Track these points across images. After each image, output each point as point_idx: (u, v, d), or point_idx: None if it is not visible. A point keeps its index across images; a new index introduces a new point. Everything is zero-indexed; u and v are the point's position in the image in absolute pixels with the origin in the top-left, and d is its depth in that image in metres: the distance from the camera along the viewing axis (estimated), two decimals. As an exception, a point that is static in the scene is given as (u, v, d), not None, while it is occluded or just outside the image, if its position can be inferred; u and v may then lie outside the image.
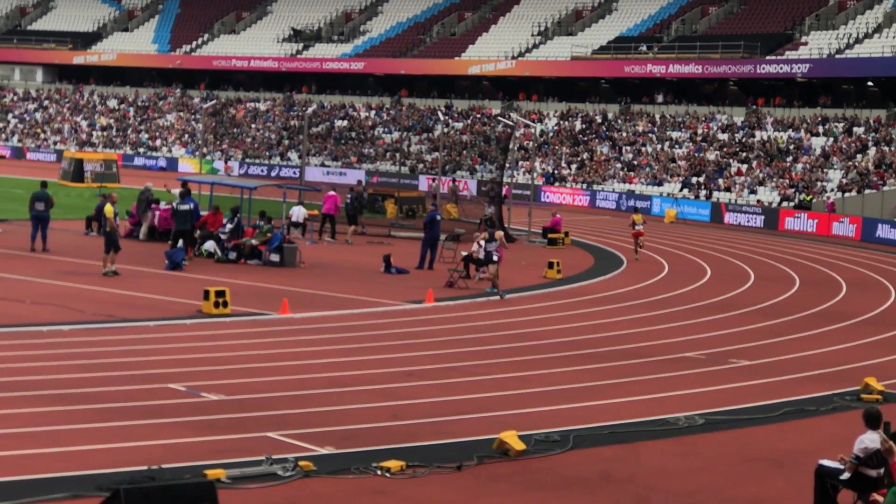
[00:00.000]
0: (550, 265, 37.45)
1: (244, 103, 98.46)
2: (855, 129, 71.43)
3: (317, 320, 26.96)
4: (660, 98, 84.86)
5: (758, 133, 74.95)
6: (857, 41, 76.00)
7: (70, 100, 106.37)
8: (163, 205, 41.47)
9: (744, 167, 71.21)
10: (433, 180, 67.40)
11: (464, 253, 36.56)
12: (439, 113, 77.31)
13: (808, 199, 64.33)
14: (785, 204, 65.40)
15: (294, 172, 79.33)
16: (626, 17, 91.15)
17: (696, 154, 74.65)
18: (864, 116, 72.69)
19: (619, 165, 76.36)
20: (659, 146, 77.44)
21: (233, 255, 36.81)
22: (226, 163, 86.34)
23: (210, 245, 37.19)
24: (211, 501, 12.42)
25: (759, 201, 66.59)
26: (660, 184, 72.65)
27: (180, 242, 35.56)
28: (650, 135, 79.30)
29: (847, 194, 63.73)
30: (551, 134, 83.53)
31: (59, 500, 13.43)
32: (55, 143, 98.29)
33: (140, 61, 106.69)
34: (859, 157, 67.91)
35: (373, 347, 23.88)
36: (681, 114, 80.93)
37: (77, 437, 15.95)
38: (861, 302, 35.20)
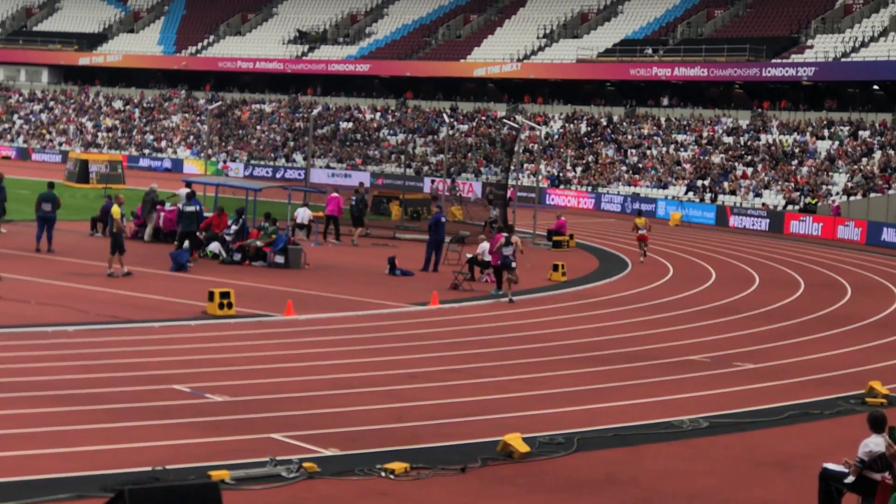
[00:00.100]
0: (555, 268, 37.44)
1: (249, 105, 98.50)
2: (860, 132, 71.37)
3: (321, 322, 26.97)
4: (665, 101, 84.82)
5: (763, 136, 74.91)
6: (863, 45, 75.96)
7: (75, 101, 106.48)
8: (168, 206, 41.52)
9: (749, 170, 71.17)
10: (433, 182, 67.52)
11: (469, 255, 36.56)
12: (444, 115, 77.23)
13: (814, 202, 64.28)
14: (790, 207, 65.34)
15: (299, 174, 79.36)
16: (632, 19, 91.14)
17: (702, 157, 74.60)
18: (869, 120, 72.63)
19: (624, 168, 76.33)
20: (664, 149, 77.40)
21: (237, 257, 36.83)
22: (224, 162, 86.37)
23: (215, 246, 37.21)
24: (215, 502, 12.43)
25: (764, 204, 66.54)
26: (665, 187, 72.61)
27: (186, 244, 35.59)
28: (655, 137, 79.27)
29: (852, 198, 63.67)
30: (556, 136, 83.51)
31: (63, 501, 13.44)
32: (60, 144, 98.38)
33: (145, 62, 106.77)
34: (865, 160, 67.85)
35: (377, 349, 23.89)
36: (686, 117, 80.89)
37: (81, 438, 15.96)
38: (866, 305, 35.17)
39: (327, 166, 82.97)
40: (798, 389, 22.10)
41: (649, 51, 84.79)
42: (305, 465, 14.99)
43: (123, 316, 25.95)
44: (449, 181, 68.80)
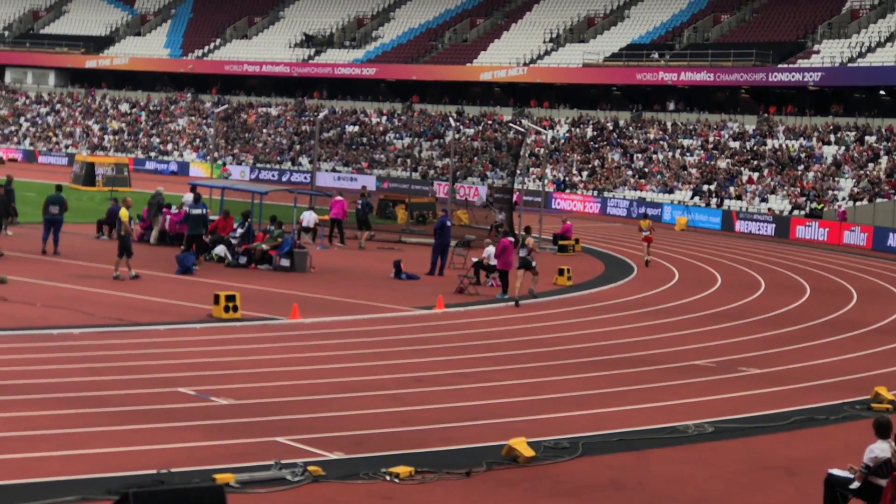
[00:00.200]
0: (561, 272, 37.43)
1: (256, 108, 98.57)
2: (867, 137, 71.33)
3: (327, 325, 26.97)
4: (671, 106, 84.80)
5: (769, 141, 74.87)
6: (870, 50, 75.92)
7: (82, 103, 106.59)
8: (174, 209, 41.54)
9: (755, 175, 71.12)
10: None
11: (474, 259, 36.56)
12: (451, 119, 77.05)
13: (820, 207, 64.24)
14: (796, 212, 65.31)
15: (305, 177, 79.40)
16: (638, 24, 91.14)
17: (708, 162, 74.58)
18: (875, 125, 72.57)
19: (630, 173, 76.32)
20: (670, 154, 77.39)
21: (243, 260, 36.84)
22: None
23: (221, 249, 37.23)
24: (220, 506, 12.44)
25: (769, 209, 66.51)
26: (671, 191, 72.59)
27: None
28: (661, 142, 79.26)
29: (858, 203, 63.62)
30: (562, 140, 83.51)
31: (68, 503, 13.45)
32: (67, 147, 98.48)
33: (152, 65, 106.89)
34: (871, 165, 67.81)
35: (382, 353, 23.88)
36: (692, 121, 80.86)
37: (86, 441, 15.96)
38: (872, 311, 35.13)
39: (333, 170, 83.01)
40: (803, 394, 22.07)
41: (656, 55, 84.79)
42: (310, 468, 14.99)
43: (129, 319, 25.97)
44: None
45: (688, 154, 76.68)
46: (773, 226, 64.12)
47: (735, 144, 75.89)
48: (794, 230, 63.05)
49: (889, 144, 69.39)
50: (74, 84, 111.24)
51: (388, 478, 15.08)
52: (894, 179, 64.60)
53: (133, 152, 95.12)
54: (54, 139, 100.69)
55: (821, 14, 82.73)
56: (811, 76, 75.69)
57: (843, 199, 64.91)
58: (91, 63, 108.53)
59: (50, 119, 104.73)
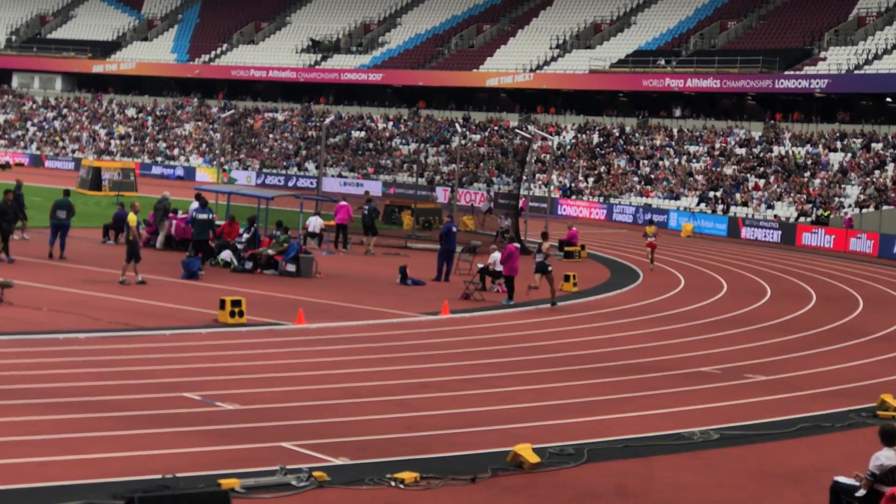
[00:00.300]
0: (567, 278, 37.41)
1: (262, 113, 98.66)
2: (873, 144, 71.28)
3: (332, 331, 26.97)
4: (678, 112, 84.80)
5: (776, 148, 74.83)
6: (876, 57, 75.89)
7: (89, 108, 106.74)
8: (180, 214, 41.57)
9: (761, 182, 71.10)
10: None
11: (480, 265, 36.55)
12: (457, 125, 77.35)
13: (826, 214, 64.19)
14: (802, 219, 65.26)
15: (311, 183, 79.42)
16: (645, 30, 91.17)
17: (714, 168, 74.56)
18: (882, 132, 72.52)
19: (636, 179, 76.30)
20: (676, 160, 77.36)
21: (249, 265, 36.86)
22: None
23: (226, 254, 37.25)
24: (225, 511, 12.44)
25: (776, 216, 66.47)
26: (677, 198, 72.57)
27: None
28: (668, 149, 79.24)
29: (865, 210, 63.58)
30: (568, 147, 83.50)
31: (73, 508, 13.47)
32: (73, 152, 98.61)
33: (159, 70, 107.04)
34: (877, 172, 67.75)
35: (388, 358, 23.88)
36: (698, 128, 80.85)
37: (92, 445, 15.97)
38: (878, 318, 35.08)
39: (339, 175, 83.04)
40: (809, 402, 22.04)
41: (662, 62, 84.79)
42: (315, 474, 14.98)
43: (135, 323, 25.98)
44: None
45: (694, 160, 76.66)
46: (780, 232, 64.08)
47: (741, 151, 75.86)
48: (801, 237, 63.01)
49: (895, 151, 69.33)
50: (81, 89, 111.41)
51: (393, 483, 15.07)
52: (901, 186, 64.56)
53: (139, 157, 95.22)
54: (61, 144, 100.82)
55: (827, 21, 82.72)
56: (818, 83, 75.67)
57: (850, 206, 64.86)
58: (98, 68, 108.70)
59: (57, 124, 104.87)
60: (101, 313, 26.89)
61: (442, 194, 74.97)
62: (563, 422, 19.22)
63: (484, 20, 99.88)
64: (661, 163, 77.66)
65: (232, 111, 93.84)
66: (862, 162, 69.43)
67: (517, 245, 36.72)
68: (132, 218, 32.49)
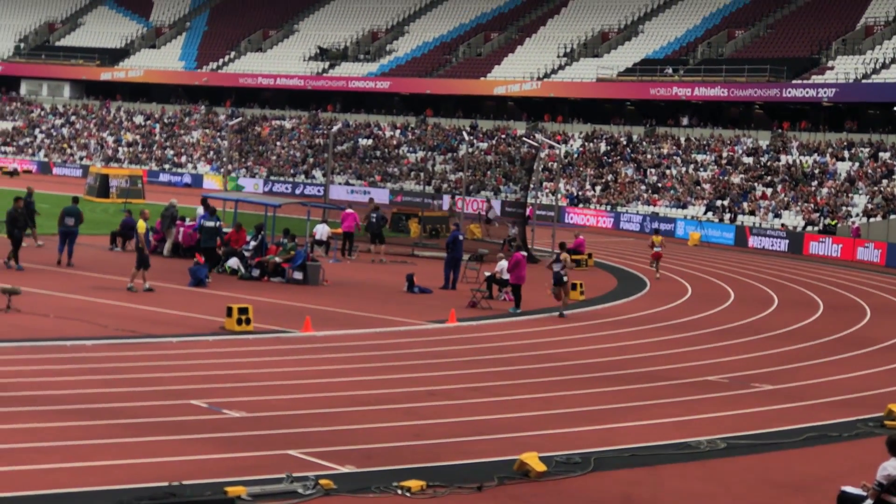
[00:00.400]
0: (573, 287, 37.36)
1: (270, 121, 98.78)
2: (881, 154, 71.22)
3: (339, 338, 26.97)
4: (685, 121, 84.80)
5: (783, 157, 74.80)
6: (884, 66, 75.85)
7: (97, 115, 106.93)
8: (188, 221, 41.62)
9: (768, 191, 71.07)
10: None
11: (487, 273, 36.55)
12: (464, 133, 77.30)
13: (833, 223, 64.13)
14: (809, 228, 65.21)
15: (318, 190, 79.53)
16: (652, 39, 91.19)
17: (721, 177, 74.53)
18: (890, 141, 72.49)
19: (643, 188, 76.28)
20: (684, 169, 77.36)
21: (256, 273, 36.88)
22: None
23: (234, 262, 37.27)
24: (231, 518, 12.43)
25: (783, 225, 66.42)
26: (684, 206, 72.54)
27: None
28: (675, 157, 79.23)
29: (872, 219, 63.52)
30: (576, 155, 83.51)
31: (79, 515, 13.48)
32: (81, 159, 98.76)
33: (167, 78, 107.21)
34: (885, 182, 67.69)
35: (395, 366, 23.87)
36: (706, 137, 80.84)
37: (98, 452, 15.98)
38: (885, 327, 35.03)
39: (346, 183, 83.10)
40: (816, 411, 22.01)
41: (669, 70, 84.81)
42: (322, 481, 14.98)
43: (142, 331, 26.00)
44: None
45: (701, 169, 76.63)
46: (787, 241, 64.03)
47: (749, 160, 75.83)
48: (808, 246, 62.95)
49: (903, 161, 69.31)
50: (89, 96, 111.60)
51: (399, 492, 15.06)
52: (908, 196, 64.49)
53: (147, 164, 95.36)
54: (69, 151, 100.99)
55: (835, 30, 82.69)
56: (825, 92, 75.65)
57: (857, 215, 64.80)
58: (106, 75, 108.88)
59: (65, 131, 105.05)
60: (109, 320, 26.91)
61: (447, 202, 74.94)
62: (569, 430, 19.20)
63: (491, 28, 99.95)
64: (668, 171, 77.64)
65: (239, 119, 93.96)
66: (869, 171, 69.38)
67: (524, 253, 36.74)
68: (141, 225, 32.54)
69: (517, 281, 33.56)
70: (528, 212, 54.38)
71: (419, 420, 19.19)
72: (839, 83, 75.32)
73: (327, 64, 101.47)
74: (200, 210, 41.17)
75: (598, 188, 78.10)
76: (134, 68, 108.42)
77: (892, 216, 62.79)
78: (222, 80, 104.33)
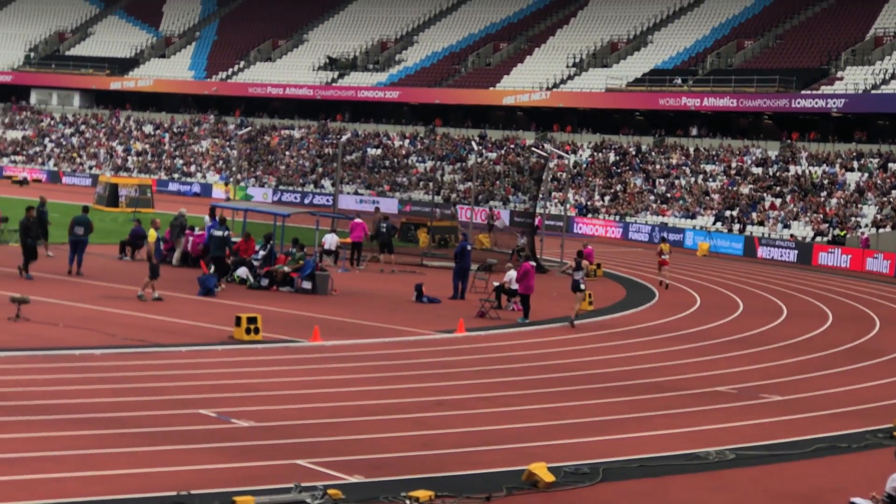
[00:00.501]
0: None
1: (279, 130, 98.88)
2: (890, 164, 71.13)
3: (348, 348, 26.98)
4: (694, 131, 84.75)
5: (792, 167, 74.74)
6: (894, 77, 75.77)
7: (106, 125, 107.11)
8: (197, 230, 41.67)
9: (777, 201, 70.99)
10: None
11: (496, 283, 36.55)
12: (473, 143, 77.29)
13: (843, 234, 64.05)
14: (819, 239, 65.12)
15: (327, 200, 79.53)
16: (662, 49, 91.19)
17: (730, 188, 74.48)
18: (899, 152, 72.43)
19: (652, 198, 76.25)
20: (693, 179, 77.31)
21: (265, 282, 36.90)
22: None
23: (242, 271, 37.30)
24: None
25: (792, 236, 66.34)
26: (693, 217, 72.49)
27: (212, 268, 35.73)
28: (684, 167, 79.19)
29: (882, 230, 63.43)
30: (585, 165, 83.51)
31: (88, 524, 13.49)
32: (91, 168, 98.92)
33: (176, 87, 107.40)
34: (894, 192, 67.60)
35: (403, 376, 23.88)
36: (715, 147, 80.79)
37: (107, 462, 15.99)
38: (894, 338, 34.95)
39: (355, 193, 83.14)
40: (825, 422, 21.97)
41: (679, 81, 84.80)
42: (330, 491, 14.98)
43: (150, 340, 26.02)
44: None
45: (710, 180, 76.58)
46: (796, 252, 63.94)
47: (758, 170, 75.77)
48: (817, 257, 62.87)
49: (913, 171, 69.23)
50: (99, 105, 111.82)
51: (407, 502, 15.05)
52: (918, 206, 64.39)
53: (156, 174, 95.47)
54: (78, 160, 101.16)
55: (844, 40, 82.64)
56: (834, 103, 75.59)
57: (866, 225, 64.72)
58: (116, 84, 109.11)
59: (74, 140, 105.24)
60: (118, 329, 26.95)
61: (460, 213, 74.90)
62: (578, 441, 19.19)
63: (500, 38, 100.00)
64: (677, 182, 77.60)
65: (249, 128, 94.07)
66: (879, 182, 69.29)
67: (533, 263, 36.73)
68: (152, 234, 32.60)
69: (526, 291, 33.57)
70: (536, 222, 54.35)
71: (428, 430, 19.19)
72: (848, 94, 75.25)
73: (336, 73, 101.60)
74: (207, 219, 41.21)
75: (606, 198, 78.09)
76: (143, 78, 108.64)
77: (902, 227, 62.71)
78: (232, 89, 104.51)
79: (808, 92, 77.57)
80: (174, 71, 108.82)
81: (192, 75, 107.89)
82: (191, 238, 41.23)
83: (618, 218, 75.03)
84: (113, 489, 14.72)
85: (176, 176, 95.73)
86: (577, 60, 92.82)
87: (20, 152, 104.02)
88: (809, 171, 73.24)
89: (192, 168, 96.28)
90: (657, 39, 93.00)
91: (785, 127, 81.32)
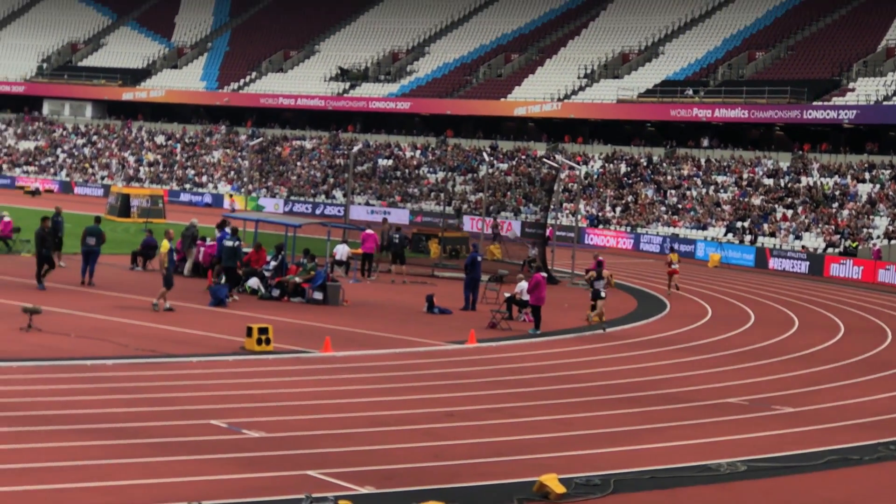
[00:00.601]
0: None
1: (290, 141, 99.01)
2: (902, 176, 71.05)
3: (359, 359, 26.99)
4: (705, 142, 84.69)
5: (803, 178, 74.64)
6: (905, 88, 75.71)
7: (118, 135, 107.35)
8: (208, 241, 41.71)
9: (789, 213, 70.90)
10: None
11: (507, 294, 36.54)
12: (484, 154, 77.30)
13: (854, 245, 63.94)
14: (830, 250, 65.02)
15: (339, 211, 79.61)
16: (673, 60, 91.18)
17: (742, 199, 74.40)
18: (911, 163, 72.31)
19: (663, 209, 76.20)
20: (704, 190, 77.25)
21: (276, 293, 36.93)
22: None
23: (254, 282, 37.33)
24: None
25: (803, 247, 66.24)
26: (704, 228, 72.42)
27: (223, 279, 35.76)
28: (695, 178, 79.13)
29: (893, 241, 63.31)
30: (596, 176, 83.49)
31: (99, 535, 13.49)
32: (103, 178, 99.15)
33: (188, 98, 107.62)
34: (906, 204, 67.52)
35: (415, 387, 23.88)
36: (726, 158, 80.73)
37: (118, 472, 16.01)
38: (907, 350, 34.90)
39: (367, 203, 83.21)
40: (837, 434, 21.92)
41: (690, 92, 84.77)
42: (341, 502, 14.96)
43: (162, 350, 26.05)
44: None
45: (721, 191, 76.52)
46: (807, 263, 63.84)
47: (769, 181, 75.69)
48: (829, 268, 62.76)
49: (925, 183, 69.11)
50: (111, 116, 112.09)
51: (418, 513, 15.07)
52: (930, 218, 64.28)
53: (168, 184, 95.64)
54: (90, 170, 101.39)
55: (856, 52, 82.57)
56: (846, 114, 75.51)
57: (878, 237, 64.61)
58: (128, 95, 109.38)
59: (86, 150, 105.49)
60: (129, 340, 26.99)
61: (469, 223, 74.91)
62: (589, 452, 19.17)
63: (512, 49, 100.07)
64: (688, 193, 77.55)
65: (260, 139, 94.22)
66: (891, 193, 69.17)
67: (544, 274, 36.71)
68: (165, 245, 32.67)
69: (537, 302, 33.56)
70: (548, 233, 54.34)
71: (439, 441, 19.18)
72: (860, 105, 75.16)
73: (348, 84, 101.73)
74: (217, 232, 41.25)
75: (618, 209, 78.06)
76: (155, 88, 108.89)
77: (914, 238, 62.60)
78: (243, 100, 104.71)
79: (820, 103, 77.50)
80: (186, 82, 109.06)
81: (204, 86, 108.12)
82: (202, 248, 41.28)
83: (629, 229, 74.99)
84: (124, 499, 14.73)
85: (188, 186, 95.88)
86: (589, 72, 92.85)
87: (32, 163, 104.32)
88: (821, 183, 73.15)
89: (204, 178, 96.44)
90: (668, 51, 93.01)
91: (796, 138, 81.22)
